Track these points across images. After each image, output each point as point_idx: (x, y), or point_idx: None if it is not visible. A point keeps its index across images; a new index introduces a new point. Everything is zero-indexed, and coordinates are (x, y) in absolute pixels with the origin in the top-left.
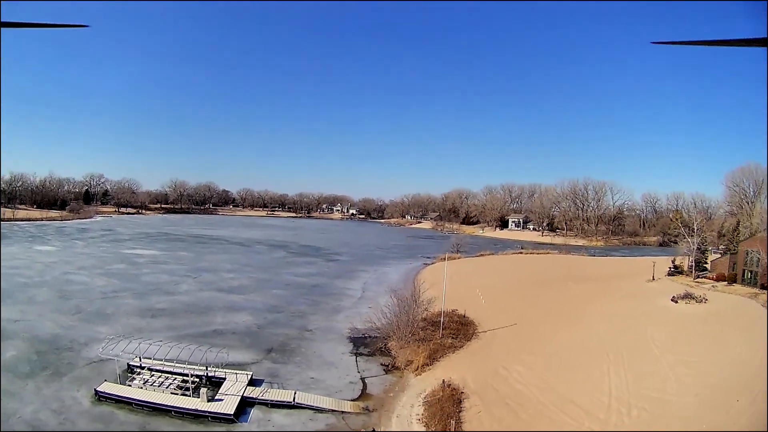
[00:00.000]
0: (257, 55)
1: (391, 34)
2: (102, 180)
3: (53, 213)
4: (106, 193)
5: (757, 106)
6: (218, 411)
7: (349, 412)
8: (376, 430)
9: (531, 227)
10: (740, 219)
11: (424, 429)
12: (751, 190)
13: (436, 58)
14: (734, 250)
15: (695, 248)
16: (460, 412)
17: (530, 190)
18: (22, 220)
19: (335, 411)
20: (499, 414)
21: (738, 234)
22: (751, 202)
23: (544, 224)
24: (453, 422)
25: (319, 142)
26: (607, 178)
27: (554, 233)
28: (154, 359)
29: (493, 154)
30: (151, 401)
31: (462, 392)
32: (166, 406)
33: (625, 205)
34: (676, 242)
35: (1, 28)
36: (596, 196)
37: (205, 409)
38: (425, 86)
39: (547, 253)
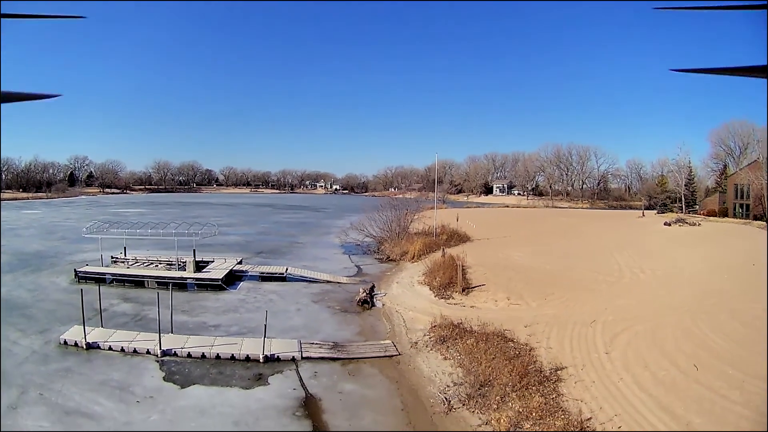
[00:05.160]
0: (233, 35)
1: (370, 8)
2: (86, 162)
3: (40, 194)
4: (90, 175)
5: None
6: (206, 277)
7: (345, 283)
8: (375, 287)
9: (516, 192)
10: (727, 164)
11: (427, 290)
12: (737, 147)
13: (416, 34)
14: (723, 188)
15: (684, 184)
16: (465, 274)
17: (514, 158)
18: (8, 200)
19: (331, 282)
20: (506, 275)
21: (726, 176)
22: (737, 158)
23: (529, 188)
24: (459, 276)
25: (300, 118)
26: (590, 143)
27: (539, 197)
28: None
29: (475, 124)
30: (134, 274)
31: (464, 264)
32: (150, 277)
33: (610, 171)
34: (665, 204)
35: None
36: (580, 161)
37: (192, 276)
38: (405, 63)
39: (534, 207)
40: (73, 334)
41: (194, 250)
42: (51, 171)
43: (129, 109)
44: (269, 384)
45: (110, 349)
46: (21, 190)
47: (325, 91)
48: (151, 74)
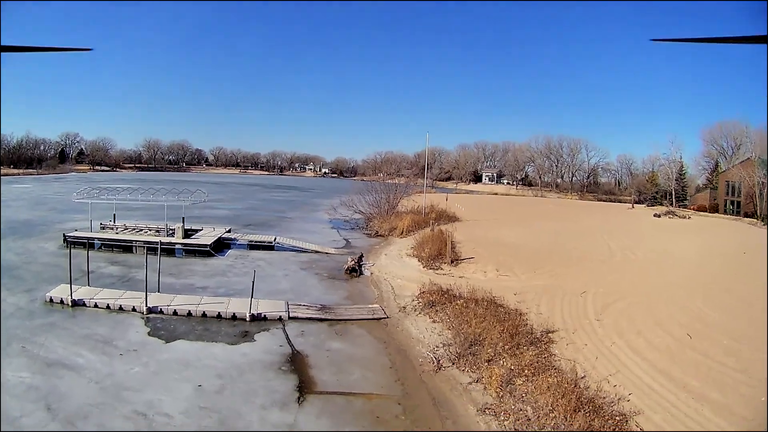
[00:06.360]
0: (229, 17)
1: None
2: (77, 139)
3: (30, 170)
4: (81, 152)
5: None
6: (194, 243)
7: (333, 254)
8: (364, 259)
9: (505, 182)
10: (718, 162)
11: (416, 261)
12: (730, 146)
13: (410, 22)
14: (714, 185)
15: (674, 178)
16: (454, 248)
17: (504, 147)
18: None
19: (319, 252)
20: (496, 250)
21: (717, 173)
22: (729, 157)
23: (518, 178)
24: (448, 248)
25: (291, 101)
26: (581, 136)
27: (528, 187)
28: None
29: (466, 112)
30: (122, 239)
31: (453, 240)
32: (138, 242)
33: (600, 164)
34: (654, 198)
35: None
36: (571, 153)
37: (180, 241)
38: (397, 50)
39: (523, 195)
40: (59, 291)
41: (183, 218)
42: (42, 147)
43: (121, 86)
44: (255, 341)
45: (96, 306)
46: (12, 166)
47: (316, 75)
48: (144, 52)
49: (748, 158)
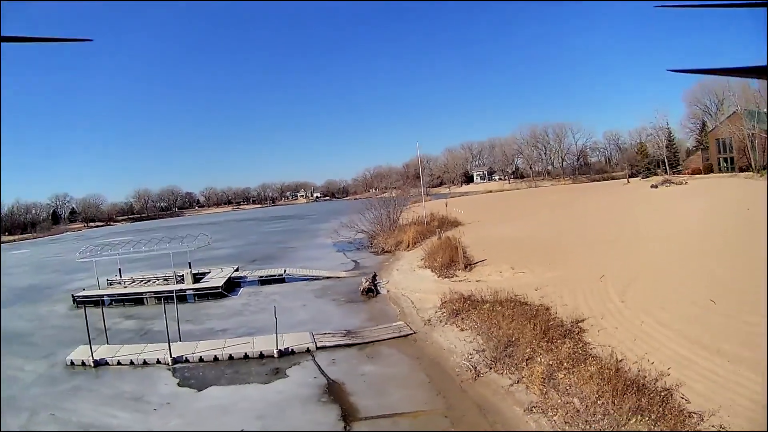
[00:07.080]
0: (208, 41)
1: (349, 9)
2: (67, 199)
3: (25, 235)
4: (73, 212)
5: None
6: (205, 287)
7: (345, 277)
8: (378, 277)
9: (497, 178)
10: (705, 121)
11: (429, 272)
12: (713, 103)
13: (382, 28)
14: (705, 145)
15: (664, 146)
16: (464, 252)
17: (490, 144)
18: None
19: (330, 277)
20: (506, 248)
21: (705, 133)
22: (714, 114)
23: (509, 172)
24: (460, 254)
25: (275, 129)
26: (565, 120)
27: (521, 180)
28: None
29: (448, 115)
30: (132, 292)
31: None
32: (149, 293)
33: (588, 145)
34: (648, 169)
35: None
36: (557, 139)
37: (191, 287)
38: (371, 59)
39: (517, 188)
40: (79, 353)
41: (189, 263)
42: (34, 211)
43: (104, 138)
44: (288, 376)
45: (119, 363)
46: (6, 233)
47: (297, 98)
48: (122, 100)
49: (734, 112)
